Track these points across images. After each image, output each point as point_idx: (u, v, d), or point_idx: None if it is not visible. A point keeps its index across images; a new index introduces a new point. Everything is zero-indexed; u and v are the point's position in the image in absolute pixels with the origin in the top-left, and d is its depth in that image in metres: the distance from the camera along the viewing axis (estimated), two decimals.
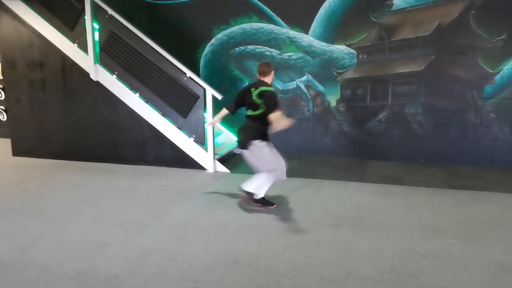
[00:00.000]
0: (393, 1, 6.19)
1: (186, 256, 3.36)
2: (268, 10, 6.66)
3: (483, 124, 6.20)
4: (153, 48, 5.89)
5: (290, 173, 6.04)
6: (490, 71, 6.05)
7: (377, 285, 2.93)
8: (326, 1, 6.41)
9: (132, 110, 6.08)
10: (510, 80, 6.00)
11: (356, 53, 6.47)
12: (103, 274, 3.08)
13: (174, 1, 7.00)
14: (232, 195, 4.86)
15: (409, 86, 6.37)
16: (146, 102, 6.02)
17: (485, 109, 6.16)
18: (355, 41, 6.44)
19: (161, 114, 6.00)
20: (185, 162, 6.01)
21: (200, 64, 7.08)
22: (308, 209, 4.42)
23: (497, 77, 6.05)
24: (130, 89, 6.04)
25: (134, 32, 5.91)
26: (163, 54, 5.87)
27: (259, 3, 6.67)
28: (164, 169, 6.03)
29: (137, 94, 6.02)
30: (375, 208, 4.16)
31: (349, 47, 6.48)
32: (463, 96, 6.21)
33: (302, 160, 6.53)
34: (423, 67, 6.25)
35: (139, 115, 6.07)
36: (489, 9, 5.88)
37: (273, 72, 4.33)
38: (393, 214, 4.26)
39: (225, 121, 6.92)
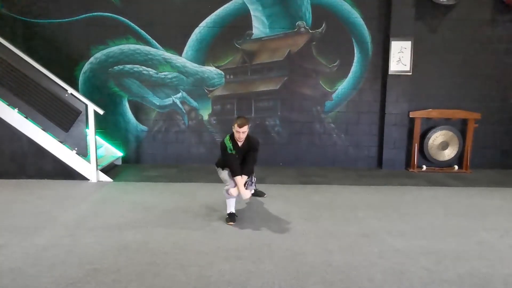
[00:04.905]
0: (253, 32, 7.39)
1: (81, 247, 3.88)
2: (145, 33, 7.35)
3: (326, 132, 7.70)
4: (31, 65, 6.13)
5: (170, 178, 6.77)
6: (329, 90, 7.59)
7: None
8: (196, 28, 7.36)
9: (10, 125, 6.20)
10: (343, 97, 7.61)
11: (223, 73, 7.51)
12: (5, 267, 3.46)
13: (51, 21, 7.26)
14: (116, 199, 5.43)
15: (268, 102, 7.61)
16: (26, 118, 6.21)
17: (326, 121, 7.67)
18: (223, 64, 7.49)
19: (42, 129, 6.24)
20: (68, 173, 6.32)
21: (79, 81, 7.42)
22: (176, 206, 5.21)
23: (334, 95, 7.61)
24: (8, 105, 6.17)
25: (9, 48, 6.07)
26: (42, 71, 6.15)
27: (136, 27, 7.33)
28: (46, 181, 6.25)
29: (16, 110, 6.18)
30: (237, 200, 5.10)
31: (218, 69, 7.50)
32: (310, 110, 7.65)
33: (179, 168, 7.31)
34: (278, 87, 7.54)
35: (18, 130, 6.21)
36: (325, 42, 7.43)
37: (235, 125, 4.67)
38: (255, 206, 5.29)
39: (105, 134, 7.40)
